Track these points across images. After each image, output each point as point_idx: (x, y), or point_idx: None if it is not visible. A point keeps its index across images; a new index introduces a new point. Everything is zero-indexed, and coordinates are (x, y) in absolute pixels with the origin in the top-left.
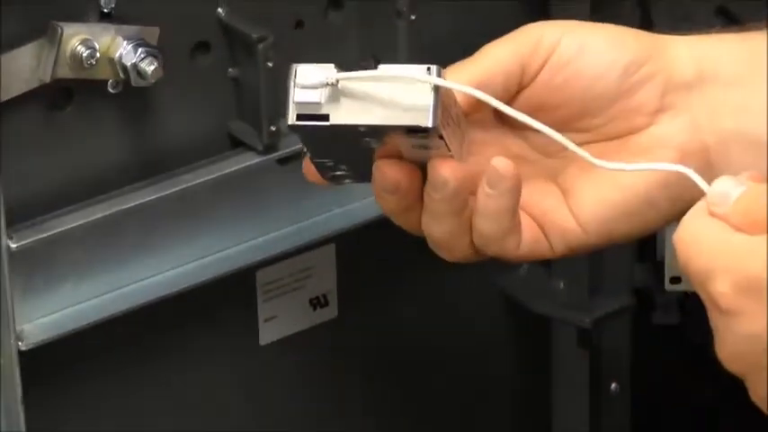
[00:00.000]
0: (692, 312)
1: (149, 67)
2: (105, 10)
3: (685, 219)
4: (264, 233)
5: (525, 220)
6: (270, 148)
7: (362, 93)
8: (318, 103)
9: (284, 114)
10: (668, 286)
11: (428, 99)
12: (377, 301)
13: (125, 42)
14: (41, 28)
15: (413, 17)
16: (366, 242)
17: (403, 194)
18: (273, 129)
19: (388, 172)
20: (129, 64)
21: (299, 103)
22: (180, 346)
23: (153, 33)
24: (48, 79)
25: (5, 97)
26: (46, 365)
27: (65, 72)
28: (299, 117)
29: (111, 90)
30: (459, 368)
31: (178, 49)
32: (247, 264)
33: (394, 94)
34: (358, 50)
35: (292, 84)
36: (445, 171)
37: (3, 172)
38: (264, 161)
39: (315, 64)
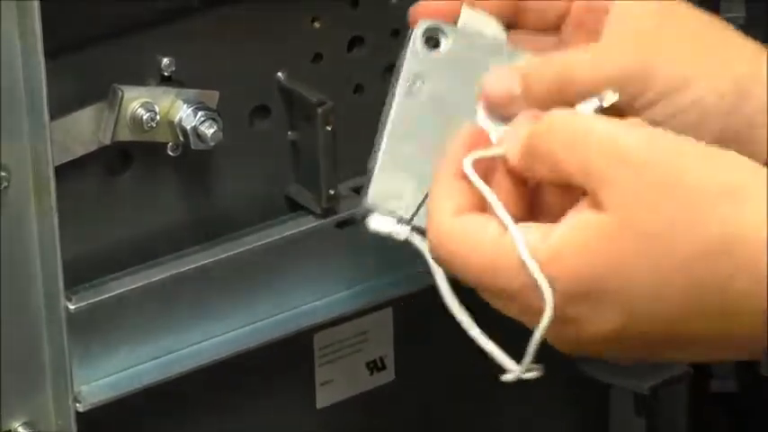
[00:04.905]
0: (750, 381)
1: (209, 130)
2: (165, 73)
3: None
4: (322, 297)
5: None
6: (328, 212)
7: None
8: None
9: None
10: None
11: None
12: (434, 365)
13: (185, 105)
14: (102, 91)
15: None
16: (423, 306)
17: None
18: (332, 192)
19: None
20: (188, 127)
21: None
22: (236, 409)
23: (213, 97)
24: (108, 142)
25: (65, 159)
26: (103, 427)
27: (125, 135)
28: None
29: (170, 153)
30: None
31: (238, 112)
32: (304, 327)
33: None
34: None
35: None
36: None
37: (62, 234)
38: (323, 225)
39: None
